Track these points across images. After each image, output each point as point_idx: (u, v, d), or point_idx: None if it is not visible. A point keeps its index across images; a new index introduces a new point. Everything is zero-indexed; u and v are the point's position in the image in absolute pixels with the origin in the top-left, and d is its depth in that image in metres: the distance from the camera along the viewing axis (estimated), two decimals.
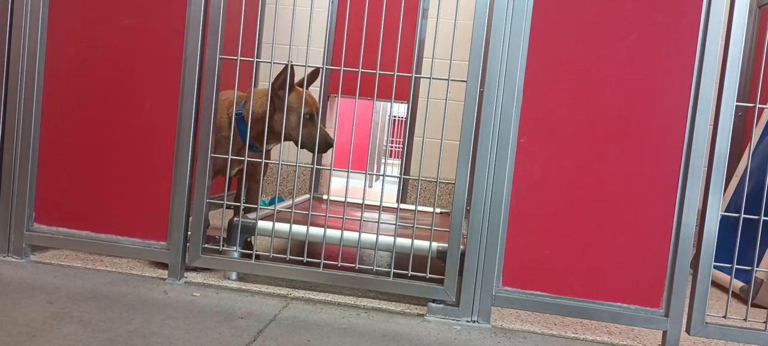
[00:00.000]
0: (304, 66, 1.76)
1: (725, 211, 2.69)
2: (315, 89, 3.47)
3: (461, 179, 1.61)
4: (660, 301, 1.55)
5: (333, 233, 1.73)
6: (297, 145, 1.86)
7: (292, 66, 1.88)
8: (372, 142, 6.22)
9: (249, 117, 1.84)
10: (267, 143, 2.04)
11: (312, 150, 1.99)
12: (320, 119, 1.95)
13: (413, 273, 1.65)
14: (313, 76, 2.04)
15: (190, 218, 1.71)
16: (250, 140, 2.04)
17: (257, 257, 1.71)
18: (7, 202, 1.78)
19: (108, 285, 1.60)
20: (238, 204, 2.24)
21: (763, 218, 1.56)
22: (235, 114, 2.03)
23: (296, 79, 2.05)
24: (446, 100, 1.63)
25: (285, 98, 1.89)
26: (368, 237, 1.72)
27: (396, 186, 3.60)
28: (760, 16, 3.09)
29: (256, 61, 1.91)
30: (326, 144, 1.99)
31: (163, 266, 1.78)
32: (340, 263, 1.73)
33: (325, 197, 2.87)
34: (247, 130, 2.01)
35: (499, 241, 1.59)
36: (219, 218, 3.00)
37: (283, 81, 1.93)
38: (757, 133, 2.67)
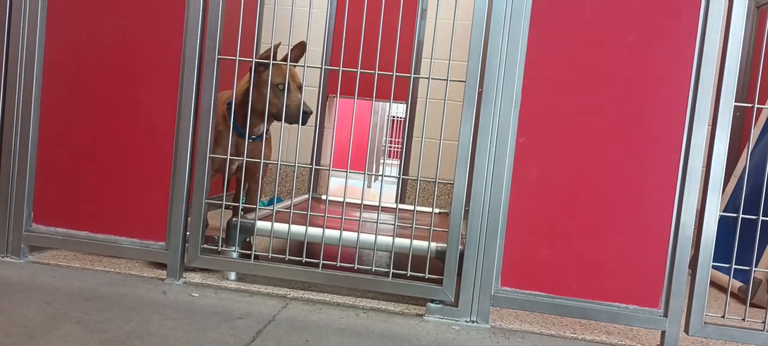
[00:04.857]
0: (304, 66, 1.76)
1: (724, 211, 2.69)
2: (314, 89, 3.47)
3: (460, 179, 1.61)
4: (659, 301, 1.55)
5: (332, 234, 1.73)
6: (278, 120, 1.88)
7: (278, 44, 1.89)
8: (371, 143, 6.21)
9: (233, 97, 1.83)
10: (255, 126, 2.04)
11: (288, 120, 1.97)
12: (303, 94, 1.95)
13: (412, 273, 1.65)
14: (299, 49, 2.03)
15: (189, 219, 1.71)
16: (238, 125, 2.03)
17: (256, 257, 1.71)
18: (6, 202, 1.78)
19: (106, 285, 1.60)
20: (237, 204, 2.24)
21: (761, 217, 1.56)
22: (227, 104, 2.05)
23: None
24: (445, 100, 1.63)
25: (263, 74, 1.93)
26: (367, 237, 1.72)
27: (395, 186, 3.61)
28: (758, 16, 3.10)
29: (255, 61, 1.92)
30: (303, 113, 1.96)
31: (162, 266, 1.78)
32: (338, 264, 1.73)
33: (323, 197, 2.87)
34: (236, 117, 2.03)
35: (497, 241, 1.59)
36: (218, 219, 3.00)
37: (264, 58, 1.93)
38: (755, 132, 2.67)
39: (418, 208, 2.77)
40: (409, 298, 1.80)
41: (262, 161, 1.77)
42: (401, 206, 2.79)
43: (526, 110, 1.58)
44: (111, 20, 1.73)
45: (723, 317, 1.58)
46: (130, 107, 1.73)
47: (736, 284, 2.29)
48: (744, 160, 2.70)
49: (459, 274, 1.61)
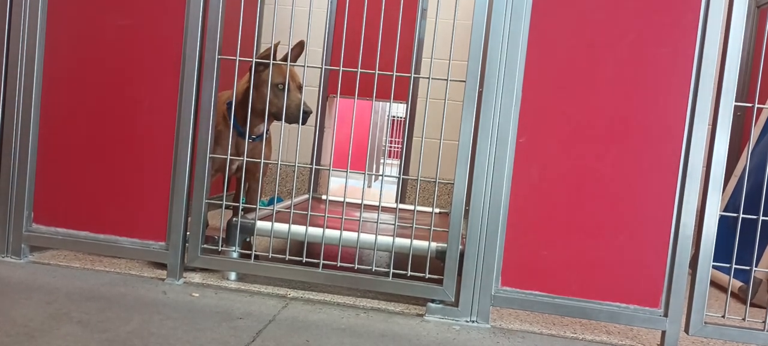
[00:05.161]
0: (303, 66, 1.76)
1: (724, 210, 2.69)
2: (314, 89, 3.48)
3: (460, 178, 1.61)
4: (659, 301, 1.56)
5: (332, 233, 1.73)
6: (278, 120, 1.90)
7: (277, 44, 1.90)
8: (371, 143, 6.21)
9: (233, 97, 1.83)
10: (255, 125, 2.04)
11: (288, 120, 1.98)
12: (303, 94, 1.96)
13: (412, 273, 1.65)
14: (298, 48, 2.04)
15: (189, 218, 1.71)
16: (238, 124, 2.04)
17: (256, 257, 1.71)
18: (6, 202, 1.78)
19: (107, 285, 1.60)
20: (237, 204, 2.24)
21: (761, 217, 1.56)
22: (227, 104, 2.05)
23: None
24: (445, 100, 1.63)
25: (263, 74, 1.94)
26: (367, 237, 1.72)
27: (395, 186, 3.61)
28: (758, 16, 3.10)
29: (255, 61, 1.92)
30: (303, 112, 1.96)
31: (162, 266, 1.78)
32: (339, 263, 1.73)
33: (324, 197, 2.87)
34: (236, 117, 2.04)
35: (498, 241, 1.59)
36: (218, 218, 3.00)
37: (264, 57, 1.94)
38: (755, 132, 2.67)
39: (419, 208, 2.77)
40: (410, 298, 1.80)
41: (262, 161, 1.77)
42: (401, 205, 2.79)
43: (526, 110, 1.58)
44: (111, 20, 1.73)
45: (723, 316, 1.58)
46: (130, 107, 1.73)
47: (736, 283, 2.29)
48: (744, 160, 2.70)
49: (459, 274, 1.61)
